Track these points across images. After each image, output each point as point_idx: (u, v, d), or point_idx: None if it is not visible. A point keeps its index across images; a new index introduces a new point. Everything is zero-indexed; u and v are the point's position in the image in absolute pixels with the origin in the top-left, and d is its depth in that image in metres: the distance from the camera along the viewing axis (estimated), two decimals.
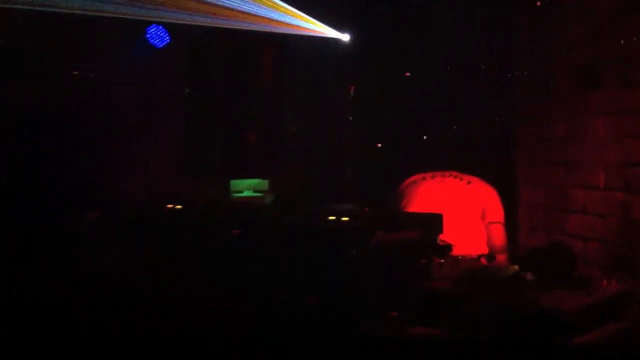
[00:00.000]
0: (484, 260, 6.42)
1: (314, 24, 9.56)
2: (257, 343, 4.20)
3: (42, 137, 8.41)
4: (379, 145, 9.70)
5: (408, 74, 9.39)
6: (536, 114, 7.70)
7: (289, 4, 9.22)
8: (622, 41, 6.23)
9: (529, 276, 5.63)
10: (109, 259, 5.58)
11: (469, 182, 7.21)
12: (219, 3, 8.92)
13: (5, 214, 6.97)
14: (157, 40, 9.55)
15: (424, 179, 7.34)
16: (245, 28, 9.23)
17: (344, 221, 6.27)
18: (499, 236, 7.08)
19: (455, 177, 7.26)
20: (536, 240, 7.34)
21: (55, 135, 8.50)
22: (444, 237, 6.40)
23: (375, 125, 9.75)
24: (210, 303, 4.87)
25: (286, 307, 4.90)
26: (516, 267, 5.88)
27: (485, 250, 6.85)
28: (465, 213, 6.97)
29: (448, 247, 6.29)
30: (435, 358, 4.28)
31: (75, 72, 8.95)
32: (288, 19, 9.36)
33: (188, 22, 9.15)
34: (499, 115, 8.46)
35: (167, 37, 9.56)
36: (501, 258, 6.83)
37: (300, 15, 9.39)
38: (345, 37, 9.84)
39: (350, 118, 10.21)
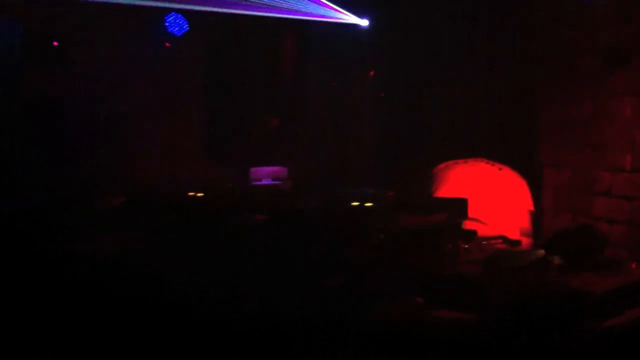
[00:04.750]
0: (508, 246, 6.42)
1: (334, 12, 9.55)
2: (278, 324, 4.20)
3: (65, 123, 8.45)
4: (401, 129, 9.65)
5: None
6: (561, 95, 7.61)
7: None
8: None
9: (556, 260, 5.59)
10: (132, 243, 5.61)
11: (500, 169, 7.43)
12: None
13: (30, 197, 7.02)
14: (176, 29, 9.54)
15: (456, 163, 7.55)
16: (265, 14, 9.21)
17: (369, 205, 6.27)
18: (526, 222, 7.23)
19: (487, 162, 7.49)
20: (561, 223, 7.28)
21: (78, 122, 8.54)
22: (478, 217, 6.54)
23: (395, 110, 9.69)
24: (233, 285, 4.87)
25: (310, 289, 4.88)
26: (542, 251, 5.84)
27: (517, 232, 6.91)
28: (497, 196, 7.15)
29: (473, 232, 6.30)
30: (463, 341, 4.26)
31: (93, 61, 8.94)
32: (308, 5, 9.35)
33: (207, 9, 9.13)
34: (523, 97, 8.36)
35: (186, 26, 9.53)
36: (526, 241, 6.89)
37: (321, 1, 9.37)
38: (364, 23, 9.80)
39: (371, 103, 10.16)
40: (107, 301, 4.54)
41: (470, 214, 6.43)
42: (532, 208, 7.33)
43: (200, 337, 4.19)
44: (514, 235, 6.80)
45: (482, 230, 6.52)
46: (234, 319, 4.42)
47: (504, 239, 6.52)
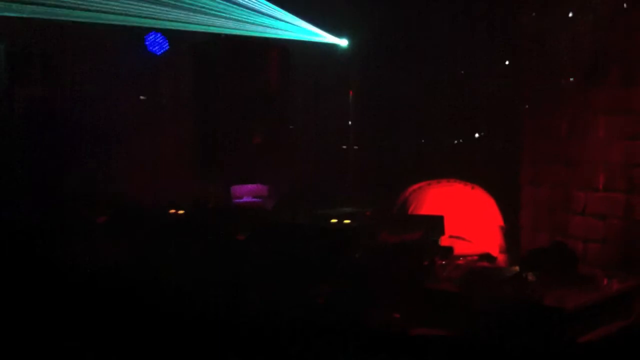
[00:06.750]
0: (485, 262, 6.50)
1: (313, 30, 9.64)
2: (260, 342, 4.24)
3: (50, 139, 8.47)
4: (380, 147, 9.71)
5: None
6: (540, 113, 7.70)
7: (289, 10, 9.31)
8: (624, 39, 6.29)
9: (530, 276, 5.67)
10: (115, 259, 5.64)
11: (472, 187, 7.56)
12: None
13: (15, 213, 7.04)
14: (157, 48, 9.53)
15: (429, 184, 7.62)
16: (246, 34, 9.27)
17: (347, 224, 6.34)
18: (499, 238, 7.32)
19: (460, 182, 7.61)
20: (539, 241, 7.37)
21: (63, 138, 8.56)
22: (459, 235, 6.70)
23: (375, 128, 9.75)
24: (216, 302, 4.91)
25: (291, 307, 4.93)
26: (516, 268, 5.93)
27: (496, 249, 7.02)
28: (474, 215, 7.26)
29: (450, 249, 6.39)
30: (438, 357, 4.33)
31: (85, 72, 8.96)
32: (288, 26, 9.43)
33: (191, 30, 9.18)
34: (502, 114, 8.47)
35: (166, 45, 9.53)
36: (501, 258, 7.00)
37: (300, 22, 9.46)
38: (343, 42, 9.88)
39: (350, 122, 10.21)
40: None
41: (452, 232, 6.54)
42: (502, 224, 7.43)
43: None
44: (494, 252, 6.91)
45: (464, 248, 6.62)
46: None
47: (483, 256, 6.62)
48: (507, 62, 8.31)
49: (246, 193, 9.15)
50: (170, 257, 5.49)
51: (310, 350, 4.10)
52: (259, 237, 6.01)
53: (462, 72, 8.72)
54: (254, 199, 9.16)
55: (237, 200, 9.10)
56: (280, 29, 9.43)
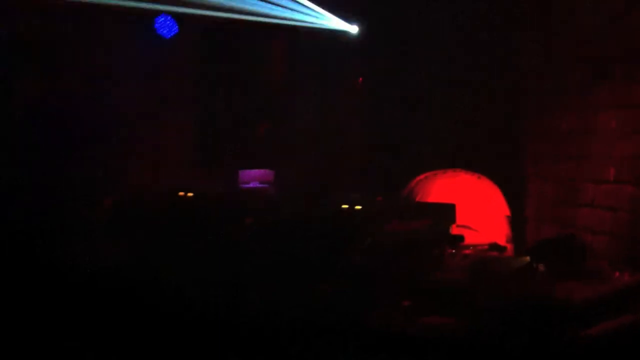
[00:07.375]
0: (494, 252, 6.50)
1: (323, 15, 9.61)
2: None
3: (54, 131, 8.46)
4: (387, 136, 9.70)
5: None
6: (545, 107, 7.70)
7: None
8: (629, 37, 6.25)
9: (541, 267, 5.67)
10: (122, 247, 5.66)
11: (478, 177, 7.57)
12: None
13: (21, 205, 7.07)
14: (166, 31, 9.49)
15: (435, 174, 7.61)
16: (255, 20, 9.25)
17: (358, 209, 6.32)
18: (506, 228, 7.34)
19: (466, 172, 7.62)
20: (544, 233, 7.37)
21: (68, 129, 8.56)
22: (466, 224, 6.71)
23: (382, 117, 9.74)
24: (222, 290, 4.93)
25: (299, 294, 4.94)
26: (527, 258, 5.92)
27: (503, 238, 7.03)
28: (481, 204, 7.27)
29: (460, 237, 6.38)
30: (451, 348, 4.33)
31: (85, 66, 8.94)
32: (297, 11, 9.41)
33: (198, 13, 9.15)
34: (507, 109, 8.45)
35: (176, 28, 9.49)
36: (508, 248, 7.00)
37: (310, 7, 9.43)
38: (353, 29, 9.84)
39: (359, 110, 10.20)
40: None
41: (459, 222, 6.53)
42: (508, 213, 7.43)
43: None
44: (501, 241, 6.91)
45: (471, 237, 6.61)
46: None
47: (492, 246, 6.60)
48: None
49: (253, 178, 9.14)
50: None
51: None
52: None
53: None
54: (261, 185, 9.15)
55: (245, 186, 9.09)
56: (288, 12, 9.40)
